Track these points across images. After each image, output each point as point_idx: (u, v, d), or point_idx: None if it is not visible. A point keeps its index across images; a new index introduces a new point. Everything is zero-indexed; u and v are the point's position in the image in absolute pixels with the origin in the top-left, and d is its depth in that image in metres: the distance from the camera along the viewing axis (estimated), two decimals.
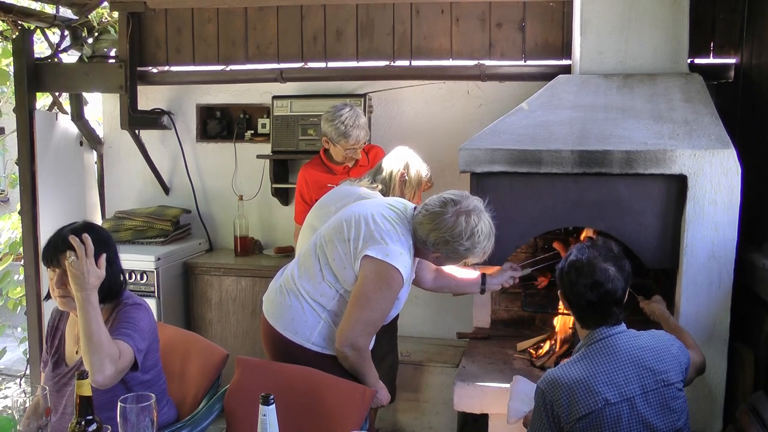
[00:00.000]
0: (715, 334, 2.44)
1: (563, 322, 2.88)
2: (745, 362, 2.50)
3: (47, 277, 2.02)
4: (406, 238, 2.18)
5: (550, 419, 1.84)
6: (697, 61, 3.23)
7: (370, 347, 2.26)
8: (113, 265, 2.02)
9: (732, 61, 3.23)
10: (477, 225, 2.14)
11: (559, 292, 2.05)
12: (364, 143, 3.15)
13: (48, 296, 2.05)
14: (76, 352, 2.05)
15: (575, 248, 2.01)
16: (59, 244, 1.95)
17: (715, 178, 2.38)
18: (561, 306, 2.86)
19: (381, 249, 2.10)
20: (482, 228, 2.15)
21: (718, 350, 2.44)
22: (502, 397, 2.55)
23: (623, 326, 1.92)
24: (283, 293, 2.28)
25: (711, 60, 3.30)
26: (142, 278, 3.62)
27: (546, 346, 2.88)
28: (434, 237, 2.14)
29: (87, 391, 1.58)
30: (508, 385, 2.46)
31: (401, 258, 2.12)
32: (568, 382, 1.82)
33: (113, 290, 2.03)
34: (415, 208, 2.28)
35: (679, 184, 2.44)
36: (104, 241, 2.00)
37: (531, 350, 2.90)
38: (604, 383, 1.80)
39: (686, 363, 1.94)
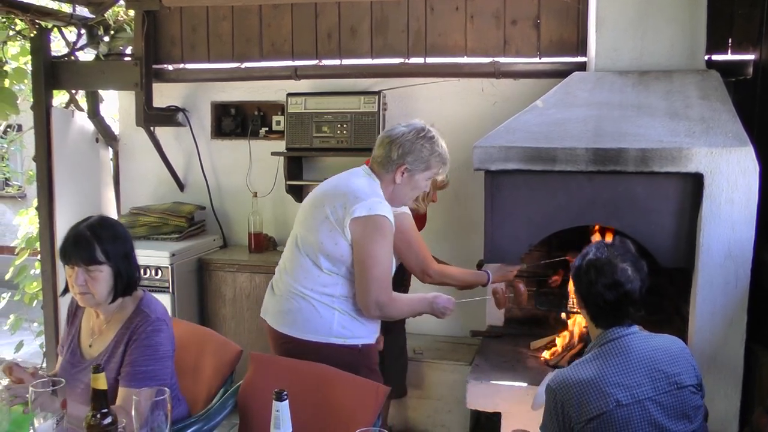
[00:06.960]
0: (732, 334, 2.41)
1: (576, 321, 2.86)
2: (762, 364, 2.47)
3: (65, 273, 2.04)
4: (377, 189, 2.26)
5: (560, 419, 1.82)
6: (715, 57, 3.18)
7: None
8: (130, 259, 2.07)
9: (750, 57, 3.18)
10: (426, 126, 2.31)
11: (573, 289, 2.03)
12: None
13: (65, 291, 2.08)
14: (90, 345, 2.10)
15: (593, 246, 1.97)
16: (77, 241, 1.98)
17: (732, 176, 2.35)
18: (573, 303, 2.85)
19: (362, 206, 2.16)
20: (434, 131, 2.30)
21: (734, 351, 2.42)
22: (516, 396, 2.55)
23: (636, 327, 1.89)
24: (289, 299, 2.29)
25: (729, 56, 3.24)
26: (156, 274, 3.65)
27: (559, 345, 2.86)
28: (397, 148, 2.24)
29: (102, 385, 1.59)
30: (521, 384, 2.46)
31: (382, 205, 2.20)
32: (578, 383, 1.80)
33: (130, 284, 2.08)
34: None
35: (695, 183, 2.41)
36: (121, 236, 2.06)
37: (545, 351, 2.89)
38: (615, 384, 1.77)
39: (698, 372, 1.89)
